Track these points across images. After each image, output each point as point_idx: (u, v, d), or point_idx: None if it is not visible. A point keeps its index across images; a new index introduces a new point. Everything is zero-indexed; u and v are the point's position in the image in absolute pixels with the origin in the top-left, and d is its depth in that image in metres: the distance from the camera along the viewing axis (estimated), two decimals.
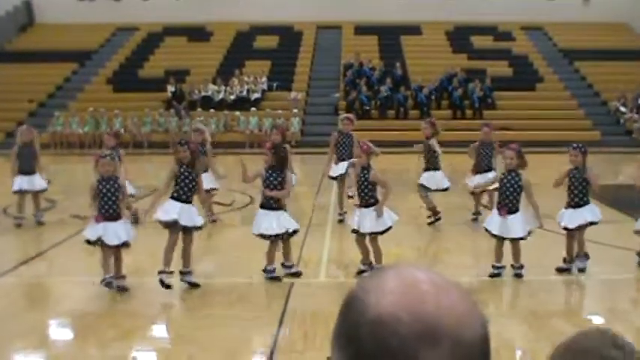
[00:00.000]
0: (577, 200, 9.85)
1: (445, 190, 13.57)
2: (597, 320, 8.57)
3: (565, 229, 9.99)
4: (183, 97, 31.95)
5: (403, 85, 32.22)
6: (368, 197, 9.84)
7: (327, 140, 14.33)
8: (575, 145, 10.13)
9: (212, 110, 30.98)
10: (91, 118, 29.90)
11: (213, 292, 9.34)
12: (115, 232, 9.02)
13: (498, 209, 9.75)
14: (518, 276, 9.67)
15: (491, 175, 12.92)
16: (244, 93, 32.31)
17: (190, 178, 9.46)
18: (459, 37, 38.37)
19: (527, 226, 9.66)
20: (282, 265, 9.78)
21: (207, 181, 13.18)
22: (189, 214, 9.37)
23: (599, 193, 10.29)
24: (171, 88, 32.23)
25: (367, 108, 31.16)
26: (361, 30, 39.14)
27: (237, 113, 30.69)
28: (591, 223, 9.87)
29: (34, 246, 11.78)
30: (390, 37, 38.20)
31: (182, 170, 9.46)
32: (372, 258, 9.82)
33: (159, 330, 8.25)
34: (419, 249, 12.03)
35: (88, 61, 36.92)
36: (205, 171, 12.38)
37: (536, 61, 36.22)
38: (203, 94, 32.21)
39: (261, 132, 29.56)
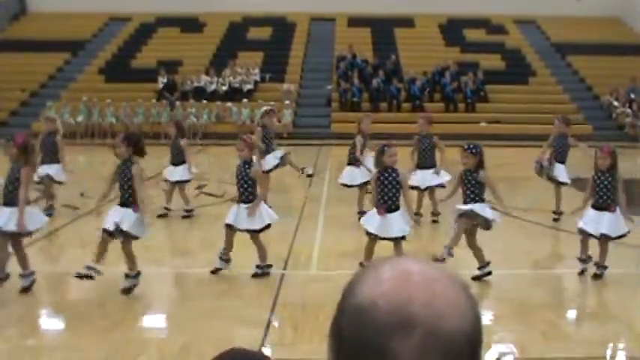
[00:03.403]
0: (470, 202, 9.41)
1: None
2: (586, 314, 8.61)
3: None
4: (175, 87, 31.92)
5: (396, 78, 32.21)
6: (247, 193, 9.56)
7: (319, 132, 14.41)
8: (466, 145, 9.58)
9: (204, 101, 30.95)
10: (84, 108, 29.86)
11: (204, 283, 9.35)
12: None
13: (377, 207, 9.33)
14: None
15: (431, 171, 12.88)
16: (237, 84, 32.28)
17: (12, 176, 8.90)
18: (452, 30, 38.40)
19: (407, 225, 9.26)
20: None
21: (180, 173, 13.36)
22: (11, 218, 8.78)
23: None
24: (162, 79, 32.15)
25: (357, 100, 31.15)
26: (354, 22, 39.10)
27: (230, 104, 30.66)
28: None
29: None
30: (383, 29, 38.19)
31: (9, 170, 9.03)
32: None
33: (150, 320, 8.26)
34: (412, 244, 12.03)
35: (81, 50, 36.78)
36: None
37: (528, 55, 36.26)
38: (195, 84, 32.16)
39: (253, 123, 29.64)
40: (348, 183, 13.44)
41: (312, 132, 28.66)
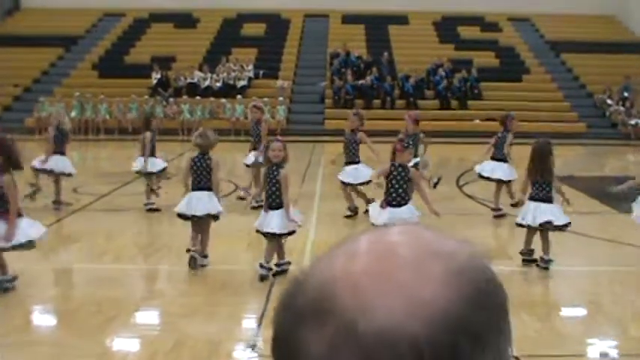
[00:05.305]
0: (399, 200, 9.50)
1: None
2: (579, 312, 8.61)
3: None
4: (168, 83, 31.86)
5: (389, 75, 32.19)
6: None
7: (313, 129, 14.41)
8: (399, 139, 9.99)
9: (198, 97, 30.91)
10: (77, 103, 29.79)
11: (197, 280, 9.33)
12: None
13: (264, 204, 9.46)
14: (281, 273, 9.30)
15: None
16: (230, 80, 32.23)
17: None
18: (446, 27, 38.38)
19: (290, 225, 9.23)
20: None
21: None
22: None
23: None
24: (156, 75, 32.07)
25: (351, 97, 31.10)
26: (348, 19, 39.04)
27: (223, 100, 30.60)
28: None
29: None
30: (377, 26, 38.13)
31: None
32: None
33: (143, 317, 8.22)
34: None
35: (74, 46, 36.68)
36: None
37: (522, 53, 36.29)
38: (189, 80, 32.10)
39: (246, 120, 29.61)
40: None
41: (305, 128, 28.61)
